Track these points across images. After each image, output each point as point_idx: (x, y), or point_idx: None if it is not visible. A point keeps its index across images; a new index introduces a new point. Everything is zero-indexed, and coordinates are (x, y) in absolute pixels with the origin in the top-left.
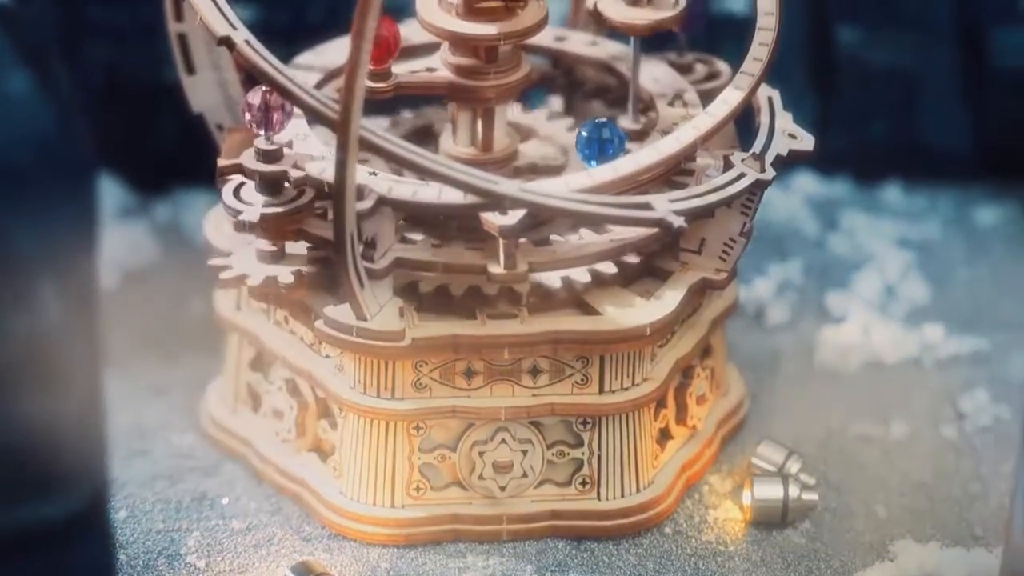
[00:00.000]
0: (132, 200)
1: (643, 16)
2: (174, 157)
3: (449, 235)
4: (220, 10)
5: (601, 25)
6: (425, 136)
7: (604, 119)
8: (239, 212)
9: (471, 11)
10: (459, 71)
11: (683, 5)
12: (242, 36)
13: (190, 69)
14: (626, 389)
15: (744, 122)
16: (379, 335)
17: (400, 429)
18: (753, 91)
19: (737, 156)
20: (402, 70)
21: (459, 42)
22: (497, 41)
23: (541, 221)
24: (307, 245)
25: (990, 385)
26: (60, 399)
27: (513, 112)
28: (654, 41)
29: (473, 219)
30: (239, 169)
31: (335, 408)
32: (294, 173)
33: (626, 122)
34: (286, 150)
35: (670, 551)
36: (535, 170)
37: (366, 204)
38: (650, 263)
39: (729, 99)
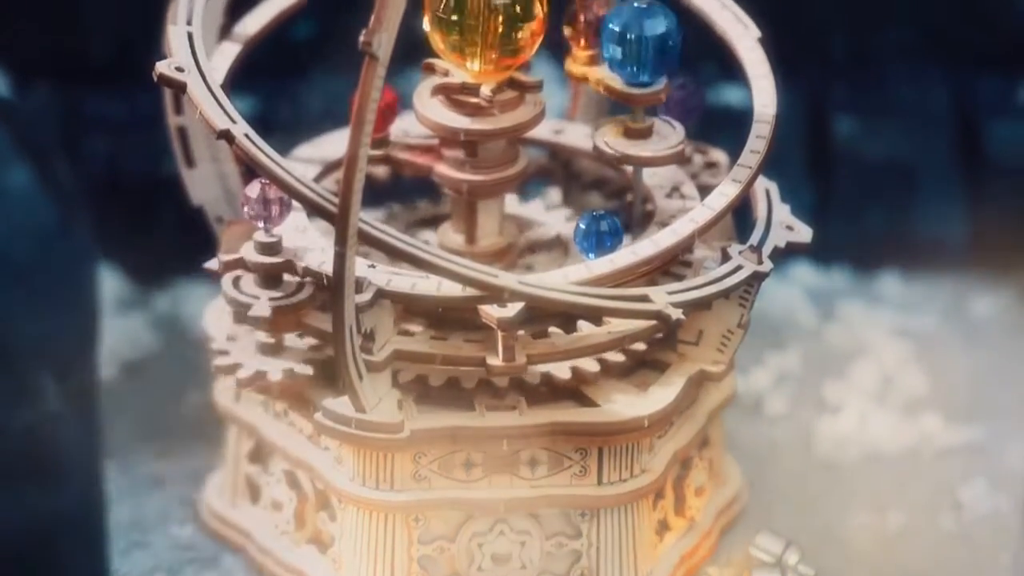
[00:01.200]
0: (131, 292)
1: (645, 150)
2: (173, 249)
3: (448, 327)
4: (219, 103)
5: (606, 161)
6: (432, 226)
7: (602, 211)
8: (246, 306)
9: (449, 101)
10: (444, 158)
11: (683, 138)
12: (241, 129)
13: (190, 162)
14: (624, 481)
15: (742, 213)
16: (378, 427)
17: (399, 521)
18: (750, 183)
19: (735, 248)
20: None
21: (434, 129)
22: (457, 136)
23: (540, 314)
24: (305, 337)
25: (989, 475)
26: (60, 491)
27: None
28: None
29: (472, 311)
30: (240, 263)
31: (334, 500)
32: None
33: None
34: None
35: None
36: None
37: (365, 296)
38: (648, 354)
39: (726, 191)
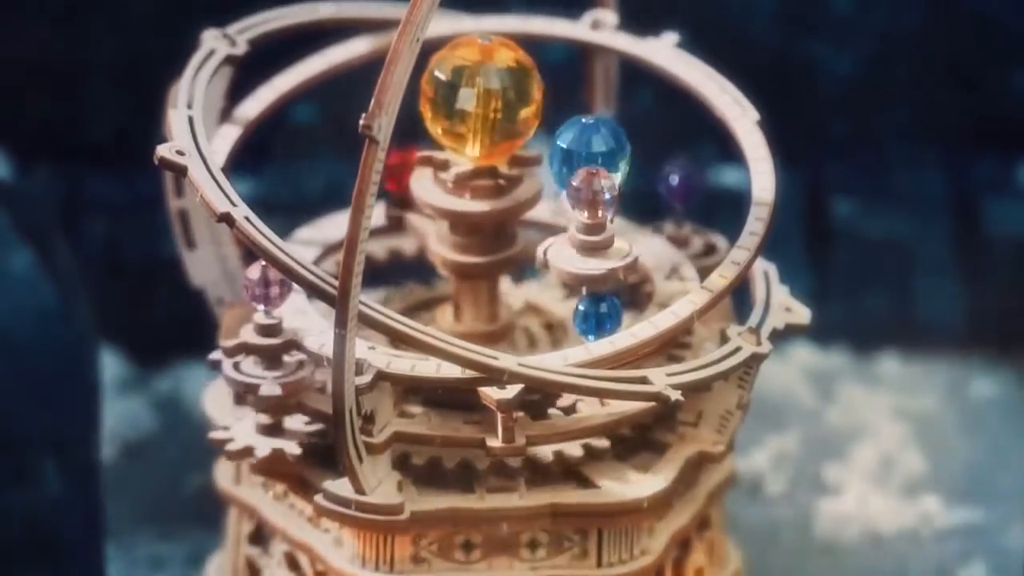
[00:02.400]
0: (132, 373)
1: (595, 267)
2: (174, 330)
3: (448, 408)
4: (220, 187)
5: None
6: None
7: (602, 293)
8: (254, 386)
9: (434, 175)
10: (436, 231)
11: (634, 255)
12: (242, 212)
13: (190, 244)
14: (624, 562)
15: (741, 295)
16: (378, 509)
17: None
18: (749, 265)
19: (733, 330)
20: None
21: (417, 200)
22: (423, 211)
23: (540, 396)
24: (305, 419)
25: (988, 557)
26: (61, 572)
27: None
28: (651, 213)
29: (471, 392)
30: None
31: None
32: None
33: None
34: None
35: None
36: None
37: (365, 379)
38: (647, 436)
39: (726, 273)
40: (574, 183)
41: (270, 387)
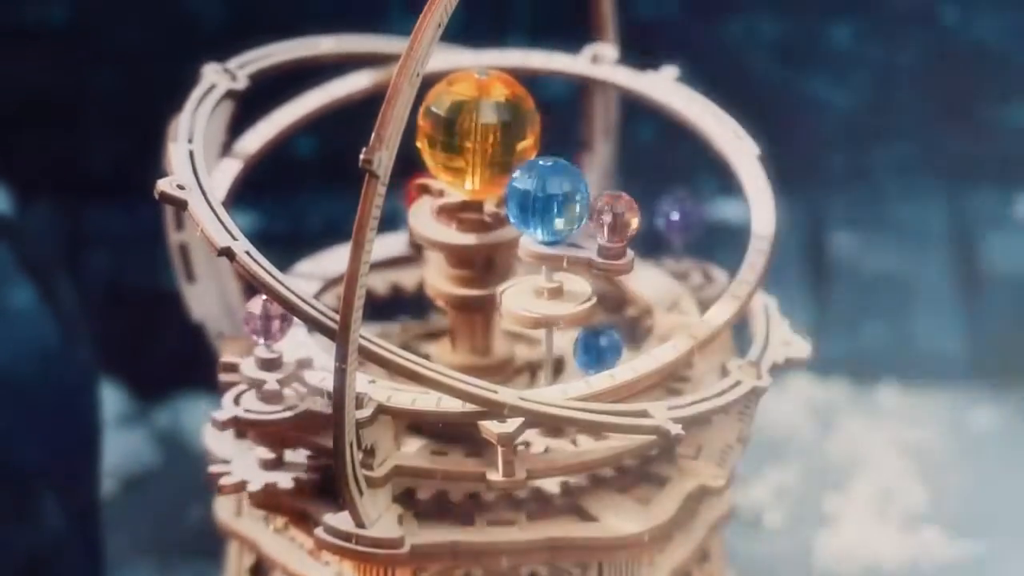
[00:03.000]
0: (132, 406)
1: (553, 310)
2: (174, 364)
3: (449, 441)
4: (220, 221)
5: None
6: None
7: (602, 326)
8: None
9: (430, 206)
10: (435, 263)
11: (594, 299)
12: (242, 247)
13: (191, 278)
14: None
15: (741, 328)
16: (378, 542)
17: None
18: (749, 299)
19: (734, 363)
20: None
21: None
22: (418, 242)
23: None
24: (307, 453)
25: None
26: None
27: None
28: (650, 246)
29: (472, 426)
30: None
31: None
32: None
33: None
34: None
35: None
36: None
37: (365, 412)
38: (648, 469)
39: (726, 307)
40: (596, 207)
41: (322, 407)
